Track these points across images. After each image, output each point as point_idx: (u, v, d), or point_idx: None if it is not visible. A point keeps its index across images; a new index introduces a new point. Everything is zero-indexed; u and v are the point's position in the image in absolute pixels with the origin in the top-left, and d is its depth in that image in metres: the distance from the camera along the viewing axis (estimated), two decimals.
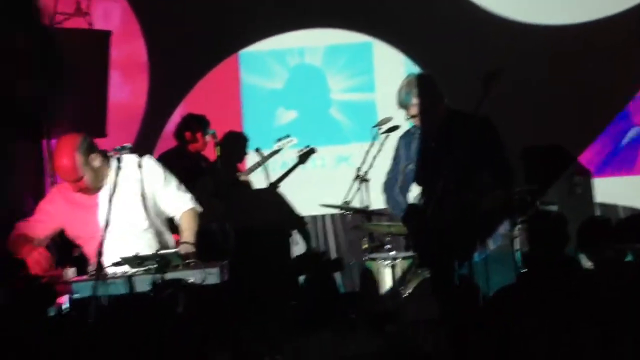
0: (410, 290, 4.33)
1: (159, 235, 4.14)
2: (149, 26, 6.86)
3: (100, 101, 5.28)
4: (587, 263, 4.25)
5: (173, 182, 4.17)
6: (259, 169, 6.30)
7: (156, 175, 4.11)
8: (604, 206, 6.03)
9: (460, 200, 4.02)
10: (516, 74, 6.02)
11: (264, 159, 6.26)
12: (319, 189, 6.31)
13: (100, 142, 6.12)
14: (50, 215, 4.10)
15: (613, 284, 3.79)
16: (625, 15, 6.09)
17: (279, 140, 6.32)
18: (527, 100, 6.09)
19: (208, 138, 5.97)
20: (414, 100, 4.12)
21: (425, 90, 4.15)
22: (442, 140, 4.19)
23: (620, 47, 6.00)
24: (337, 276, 6.10)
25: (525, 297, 3.76)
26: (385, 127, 5.03)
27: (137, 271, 3.59)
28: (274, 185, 6.38)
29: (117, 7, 6.91)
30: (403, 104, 4.20)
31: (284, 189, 6.50)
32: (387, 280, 4.56)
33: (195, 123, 6.06)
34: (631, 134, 6.21)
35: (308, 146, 6.38)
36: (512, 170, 4.18)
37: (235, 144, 6.58)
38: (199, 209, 4.20)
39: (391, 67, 6.46)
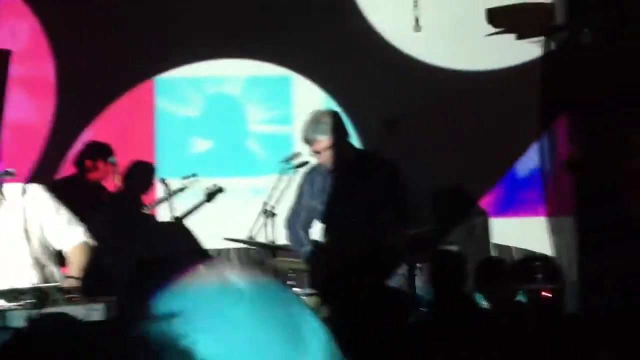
0: None
1: (43, 270, 3.87)
2: (59, 46, 6.73)
3: None
4: (483, 302, 4.36)
5: (63, 213, 3.92)
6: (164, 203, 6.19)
7: (44, 205, 3.85)
8: (500, 247, 6.16)
9: (362, 238, 4.07)
10: (425, 115, 6.16)
11: (168, 195, 6.12)
12: (231, 220, 6.25)
13: None
14: None
15: (507, 323, 3.88)
16: (527, 65, 6.27)
17: (185, 178, 6.21)
18: (433, 141, 6.17)
19: (109, 167, 5.80)
20: (319, 137, 4.21)
21: (331, 126, 4.21)
22: (346, 178, 4.25)
23: (521, 95, 6.19)
24: None
25: (423, 335, 3.80)
26: (294, 162, 5.03)
27: (12, 306, 3.37)
28: (178, 220, 6.26)
29: (24, 26, 6.77)
30: (308, 139, 4.23)
31: (195, 219, 6.42)
32: None
33: (97, 151, 5.85)
34: (527, 176, 6.39)
35: (215, 185, 6.25)
36: (410, 212, 4.26)
37: (140, 174, 6.38)
38: (91, 242, 3.98)
39: (310, 101, 6.50)
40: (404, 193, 4.28)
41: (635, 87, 5.18)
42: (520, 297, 4.51)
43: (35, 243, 3.83)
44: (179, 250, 6.08)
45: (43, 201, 3.85)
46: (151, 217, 6.14)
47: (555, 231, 5.98)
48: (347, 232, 4.04)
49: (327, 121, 4.23)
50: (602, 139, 5.32)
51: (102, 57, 6.61)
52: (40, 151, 6.58)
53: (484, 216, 6.01)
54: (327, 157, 4.23)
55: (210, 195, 6.16)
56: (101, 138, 6.55)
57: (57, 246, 3.93)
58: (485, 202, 6.31)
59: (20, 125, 6.64)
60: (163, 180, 6.25)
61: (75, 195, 5.46)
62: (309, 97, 6.56)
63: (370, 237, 4.06)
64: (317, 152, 4.24)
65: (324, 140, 4.19)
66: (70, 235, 3.90)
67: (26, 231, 3.78)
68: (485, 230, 5.89)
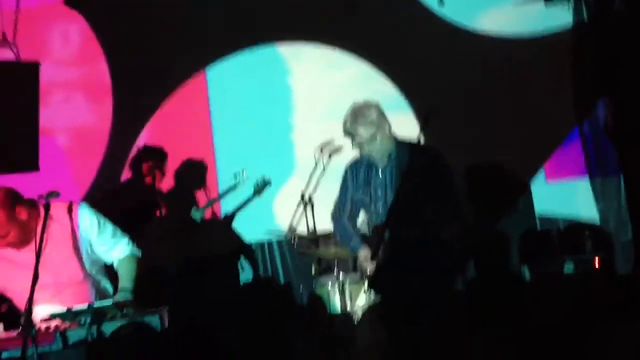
0: (360, 314, 4.41)
1: (96, 284, 4.09)
2: (111, 46, 6.98)
3: (30, 134, 5.18)
4: (530, 276, 4.52)
5: (108, 228, 4.09)
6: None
7: (90, 221, 4.03)
8: (545, 218, 6.10)
9: (408, 230, 4.28)
10: (466, 83, 6.21)
11: (220, 196, 6.31)
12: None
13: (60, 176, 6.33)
14: None
15: (554, 296, 4.05)
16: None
17: (235, 175, 6.40)
18: (480, 112, 6.23)
19: (162, 171, 6.06)
20: (360, 129, 4.28)
21: (372, 118, 4.29)
22: (389, 170, 4.35)
23: (559, 63, 6.11)
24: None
25: (470, 312, 4.05)
26: (328, 149, 5.27)
27: (70, 326, 3.52)
28: (228, 218, 6.62)
29: (74, 29, 7.14)
30: (348, 133, 4.32)
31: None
32: (336, 305, 4.65)
33: (153, 155, 6.11)
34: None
35: (264, 178, 6.43)
36: (459, 198, 4.42)
37: (192, 174, 6.62)
38: (137, 253, 4.15)
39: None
40: (451, 180, 4.31)
41: None
42: (569, 268, 4.66)
43: (86, 259, 4.05)
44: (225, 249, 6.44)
45: (89, 218, 4.05)
46: (202, 219, 6.28)
47: (602, 194, 5.94)
48: (394, 222, 4.27)
49: (368, 113, 4.29)
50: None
51: (153, 53, 6.99)
52: (103, 153, 7.06)
53: (525, 188, 5.96)
54: (369, 150, 4.31)
55: (259, 189, 6.40)
56: (159, 135, 6.97)
57: (106, 260, 4.14)
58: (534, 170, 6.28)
59: (81, 130, 7.05)
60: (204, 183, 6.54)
61: (134, 199, 5.79)
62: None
63: (417, 226, 4.29)
64: (359, 145, 4.32)
65: (365, 133, 4.27)
66: (117, 249, 4.11)
67: (76, 249, 4.00)
68: (527, 203, 5.83)
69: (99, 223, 4.08)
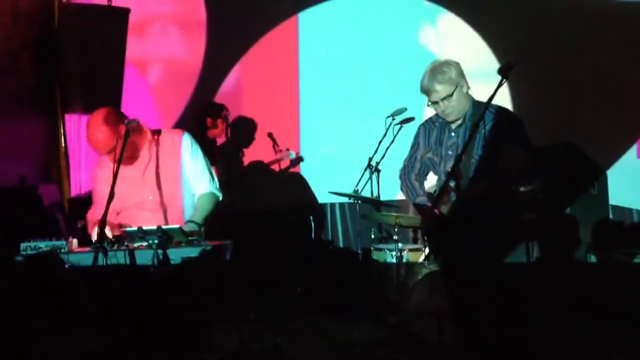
0: (415, 282, 4.19)
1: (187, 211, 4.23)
2: None
3: (115, 78, 5.28)
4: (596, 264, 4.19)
5: (201, 162, 4.29)
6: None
7: (189, 151, 4.25)
8: (618, 209, 5.72)
9: (475, 190, 4.03)
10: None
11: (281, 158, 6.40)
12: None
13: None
14: (103, 181, 4.12)
15: (616, 285, 3.74)
16: None
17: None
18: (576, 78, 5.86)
19: (224, 125, 6.15)
20: (437, 87, 4.05)
21: (449, 77, 4.05)
22: (462, 130, 4.11)
23: None
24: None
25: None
26: (399, 117, 4.99)
27: (139, 245, 3.65)
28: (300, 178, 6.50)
29: None
30: (425, 90, 4.07)
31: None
32: (392, 271, 4.52)
33: (216, 110, 6.21)
34: None
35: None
36: (533, 166, 4.11)
37: (244, 128, 6.63)
38: (219, 194, 4.31)
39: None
40: (527, 146, 4.06)
41: None
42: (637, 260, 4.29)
43: (183, 185, 4.26)
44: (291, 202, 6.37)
45: (189, 146, 4.27)
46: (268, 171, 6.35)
47: None
48: (462, 184, 4.02)
49: (446, 70, 4.07)
50: None
51: None
52: (192, 89, 7.02)
53: (601, 175, 5.50)
54: (444, 108, 4.10)
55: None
56: (247, 75, 6.88)
57: (192, 191, 4.31)
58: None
59: (173, 64, 7.04)
60: (270, 134, 6.49)
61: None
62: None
63: (482, 190, 4.02)
64: (434, 103, 4.09)
65: (442, 90, 4.05)
66: (202, 183, 4.27)
67: (177, 173, 4.23)
68: (601, 190, 5.40)
69: (195, 155, 4.28)
